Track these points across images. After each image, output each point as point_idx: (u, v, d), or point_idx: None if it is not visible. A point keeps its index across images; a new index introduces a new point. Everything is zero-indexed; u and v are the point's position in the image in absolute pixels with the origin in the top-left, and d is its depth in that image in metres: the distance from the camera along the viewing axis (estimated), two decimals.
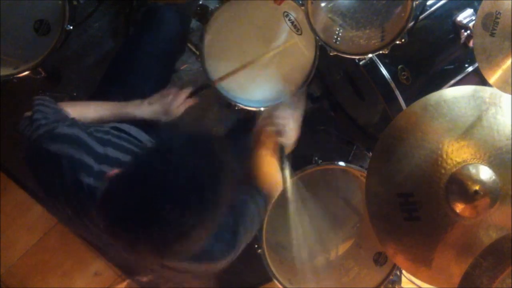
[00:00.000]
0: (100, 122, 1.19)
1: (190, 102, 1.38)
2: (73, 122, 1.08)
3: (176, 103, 1.34)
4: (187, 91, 1.37)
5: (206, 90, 1.44)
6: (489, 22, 1.04)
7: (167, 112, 1.31)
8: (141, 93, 1.39)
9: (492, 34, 1.05)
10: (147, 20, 1.52)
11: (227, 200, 0.84)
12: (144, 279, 1.07)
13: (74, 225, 1.04)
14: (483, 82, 1.17)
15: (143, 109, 1.29)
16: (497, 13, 1.04)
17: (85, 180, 0.95)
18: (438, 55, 1.42)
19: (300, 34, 1.45)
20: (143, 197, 0.78)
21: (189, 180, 0.79)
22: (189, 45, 1.69)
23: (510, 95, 1.08)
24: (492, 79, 1.06)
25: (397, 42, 1.25)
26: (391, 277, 1.54)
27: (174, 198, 0.78)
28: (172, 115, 1.32)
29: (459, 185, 1.07)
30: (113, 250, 1.02)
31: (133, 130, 1.17)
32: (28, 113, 1.09)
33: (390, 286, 1.55)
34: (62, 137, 1.00)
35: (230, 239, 1.04)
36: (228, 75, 1.41)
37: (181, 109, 1.35)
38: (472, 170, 1.06)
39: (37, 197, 1.95)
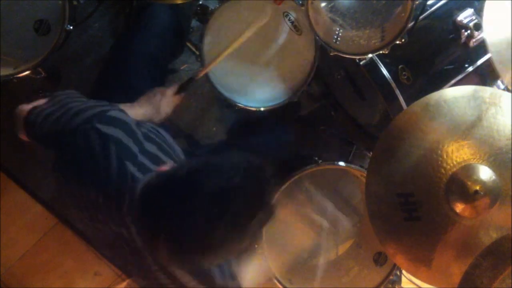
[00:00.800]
0: None
1: (179, 98, 1.36)
2: (122, 109, 1.08)
3: (165, 101, 1.32)
4: (173, 88, 1.35)
5: (195, 86, 1.42)
6: None
7: (157, 112, 1.30)
8: (136, 93, 1.38)
9: None
10: (138, 18, 1.52)
11: (253, 233, 0.86)
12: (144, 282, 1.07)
13: (88, 215, 1.02)
14: (483, 82, 1.17)
15: (135, 111, 1.26)
16: None
17: (130, 169, 0.95)
18: (438, 55, 1.42)
19: (300, 34, 1.45)
20: (184, 199, 0.81)
21: (234, 202, 0.82)
22: (189, 45, 1.69)
23: (510, 95, 1.08)
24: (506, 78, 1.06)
25: (397, 42, 1.25)
26: (391, 277, 1.54)
27: (214, 212, 0.80)
28: (162, 114, 1.31)
29: (459, 185, 1.07)
30: (118, 249, 1.01)
31: (168, 136, 1.19)
32: (42, 101, 1.08)
33: (390, 286, 1.55)
34: (114, 120, 1.00)
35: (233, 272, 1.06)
36: (209, 64, 1.40)
37: (171, 107, 1.34)
38: (472, 170, 1.06)
39: (37, 197, 1.95)
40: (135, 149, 0.99)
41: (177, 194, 0.82)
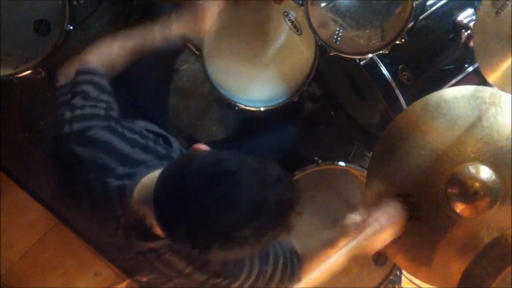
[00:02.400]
0: (128, 60, 1.16)
1: (217, 10, 1.22)
2: (108, 121, 1.04)
3: (204, 16, 1.20)
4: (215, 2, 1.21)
5: (195, 86, 1.35)
6: (500, 1, 1.03)
7: (195, 29, 1.20)
8: (143, 91, 1.38)
9: (497, 13, 1.04)
10: (144, 17, 1.51)
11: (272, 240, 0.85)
12: (144, 279, 1.07)
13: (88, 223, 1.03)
14: (483, 82, 1.17)
15: (172, 27, 1.18)
16: None
17: (113, 183, 0.94)
18: (438, 55, 1.42)
19: (300, 34, 1.45)
20: (221, 194, 0.78)
21: (266, 214, 0.79)
22: (189, 45, 1.69)
23: (510, 95, 1.08)
24: (492, 79, 1.06)
25: (397, 42, 1.25)
26: (391, 277, 1.54)
27: (246, 217, 0.78)
28: (201, 31, 1.21)
29: (459, 185, 1.07)
30: (119, 250, 1.01)
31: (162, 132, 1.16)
32: (67, 86, 1.07)
33: (390, 286, 1.55)
34: (93, 142, 0.99)
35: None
36: None
37: (209, 23, 1.21)
38: (472, 170, 1.06)
39: (37, 197, 1.95)
40: (114, 164, 0.97)
41: (209, 181, 0.79)
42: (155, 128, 1.18)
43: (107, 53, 1.16)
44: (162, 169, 0.87)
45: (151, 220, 0.88)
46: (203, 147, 0.93)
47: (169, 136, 1.19)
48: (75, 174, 0.98)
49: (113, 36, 1.18)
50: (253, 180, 0.79)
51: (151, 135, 1.10)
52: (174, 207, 0.80)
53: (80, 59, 1.13)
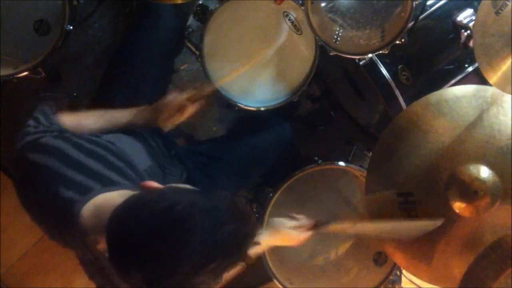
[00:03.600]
0: (100, 132, 1.17)
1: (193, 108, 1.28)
2: (61, 133, 1.05)
3: (164, 115, 1.25)
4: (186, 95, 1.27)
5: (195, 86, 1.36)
6: (500, 1, 1.03)
7: (164, 122, 1.25)
8: (143, 93, 1.38)
9: (497, 13, 1.04)
10: (144, 18, 1.52)
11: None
12: None
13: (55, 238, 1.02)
14: (483, 82, 1.17)
15: (145, 116, 1.23)
16: None
17: (63, 193, 0.92)
18: (438, 55, 1.42)
19: (300, 34, 1.45)
20: (171, 240, 0.76)
21: (222, 254, 0.78)
22: (189, 45, 1.69)
23: (511, 95, 1.08)
24: (492, 79, 1.06)
25: (397, 42, 1.25)
26: (391, 277, 1.55)
27: (201, 262, 0.76)
28: (168, 126, 1.26)
29: (459, 185, 1.07)
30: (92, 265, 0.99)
31: (130, 149, 1.12)
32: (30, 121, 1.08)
33: (390, 286, 1.56)
34: (45, 148, 0.98)
35: None
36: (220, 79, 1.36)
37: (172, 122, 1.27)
38: (473, 170, 1.06)
39: None
40: (69, 173, 0.94)
41: (161, 230, 0.76)
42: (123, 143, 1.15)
43: (82, 122, 1.18)
44: (118, 205, 0.83)
45: (104, 246, 0.84)
46: (154, 185, 0.91)
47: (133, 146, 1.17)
48: (33, 183, 0.97)
49: (93, 111, 1.25)
50: (206, 224, 0.77)
51: (110, 146, 1.07)
52: (129, 255, 0.78)
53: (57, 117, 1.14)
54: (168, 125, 1.26)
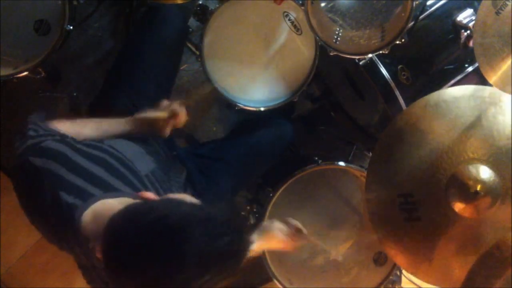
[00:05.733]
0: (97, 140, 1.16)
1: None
2: (62, 137, 1.05)
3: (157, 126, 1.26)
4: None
5: (195, 86, 1.37)
6: (500, 1, 1.04)
7: (158, 132, 1.26)
8: (147, 94, 1.37)
9: (497, 13, 1.04)
10: (150, 19, 1.51)
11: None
12: None
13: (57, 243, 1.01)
14: (483, 82, 1.17)
15: (140, 125, 1.23)
16: None
17: (64, 198, 0.91)
18: (438, 55, 1.42)
19: (300, 34, 1.45)
20: (165, 252, 0.76)
21: (216, 265, 0.78)
22: (189, 45, 1.69)
23: (510, 95, 1.08)
24: (492, 79, 1.06)
25: (397, 42, 1.25)
26: (391, 277, 1.55)
27: (195, 273, 0.77)
28: (163, 135, 1.26)
29: (459, 186, 1.07)
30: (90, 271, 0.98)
31: (131, 153, 1.11)
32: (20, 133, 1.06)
33: (390, 286, 1.55)
34: (47, 152, 0.97)
35: None
36: None
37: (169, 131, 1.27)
38: (472, 170, 1.06)
39: None
40: (70, 177, 0.93)
41: (156, 241, 0.76)
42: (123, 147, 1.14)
43: (79, 130, 1.16)
44: (114, 214, 0.82)
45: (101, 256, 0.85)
46: (150, 195, 0.91)
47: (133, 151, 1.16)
48: (35, 187, 0.96)
49: (89, 120, 1.23)
50: (201, 235, 0.76)
51: (110, 150, 1.06)
52: (122, 265, 0.78)
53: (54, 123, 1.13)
54: (166, 134, 1.26)
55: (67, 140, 1.04)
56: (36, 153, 0.97)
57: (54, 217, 0.93)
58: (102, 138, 1.17)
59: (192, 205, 0.86)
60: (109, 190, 0.95)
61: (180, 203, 0.85)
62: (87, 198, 0.91)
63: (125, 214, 0.81)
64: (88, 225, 0.89)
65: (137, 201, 0.90)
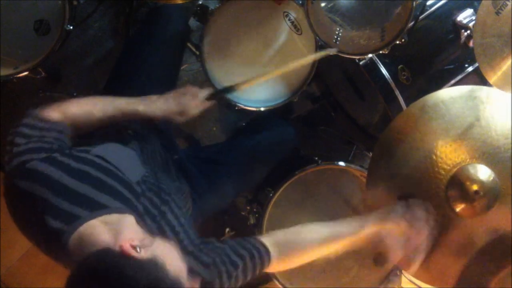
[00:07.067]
0: (107, 121, 1.13)
1: (208, 104, 1.27)
2: (51, 153, 0.99)
3: (194, 103, 1.23)
4: (205, 92, 1.27)
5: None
6: (500, 1, 1.04)
7: (183, 113, 1.22)
8: (149, 95, 1.37)
9: (497, 13, 1.04)
10: (150, 20, 1.51)
11: None
12: None
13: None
14: (483, 82, 1.17)
15: (157, 106, 1.19)
16: None
17: (50, 224, 0.89)
18: (438, 55, 1.42)
19: (300, 34, 1.45)
20: None
21: None
22: (189, 45, 1.70)
23: (507, 94, 1.08)
24: (492, 79, 1.06)
25: (397, 42, 1.26)
26: (391, 277, 1.54)
27: None
28: (188, 116, 1.23)
29: (458, 186, 1.07)
30: None
31: (121, 160, 1.06)
32: (11, 137, 1.01)
33: (390, 286, 1.55)
34: (32, 174, 0.94)
35: None
36: (251, 80, 1.33)
37: (198, 111, 1.24)
38: (471, 170, 1.06)
39: None
40: (56, 201, 0.91)
41: None
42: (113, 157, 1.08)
43: (89, 110, 1.13)
44: (80, 264, 0.84)
45: None
46: (132, 252, 0.85)
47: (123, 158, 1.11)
48: (22, 211, 0.96)
49: (101, 96, 1.18)
50: None
51: (99, 162, 1.02)
52: None
53: (60, 105, 1.10)
54: (182, 119, 1.23)
55: (53, 156, 0.98)
56: (21, 175, 0.94)
57: (42, 242, 0.94)
58: (115, 119, 1.14)
59: (165, 276, 0.82)
60: (96, 209, 0.92)
61: (157, 269, 0.82)
62: (73, 221, 0.89)
63: (89, 270, 0.84)
64: (75, 250, 0.88)
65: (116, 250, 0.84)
